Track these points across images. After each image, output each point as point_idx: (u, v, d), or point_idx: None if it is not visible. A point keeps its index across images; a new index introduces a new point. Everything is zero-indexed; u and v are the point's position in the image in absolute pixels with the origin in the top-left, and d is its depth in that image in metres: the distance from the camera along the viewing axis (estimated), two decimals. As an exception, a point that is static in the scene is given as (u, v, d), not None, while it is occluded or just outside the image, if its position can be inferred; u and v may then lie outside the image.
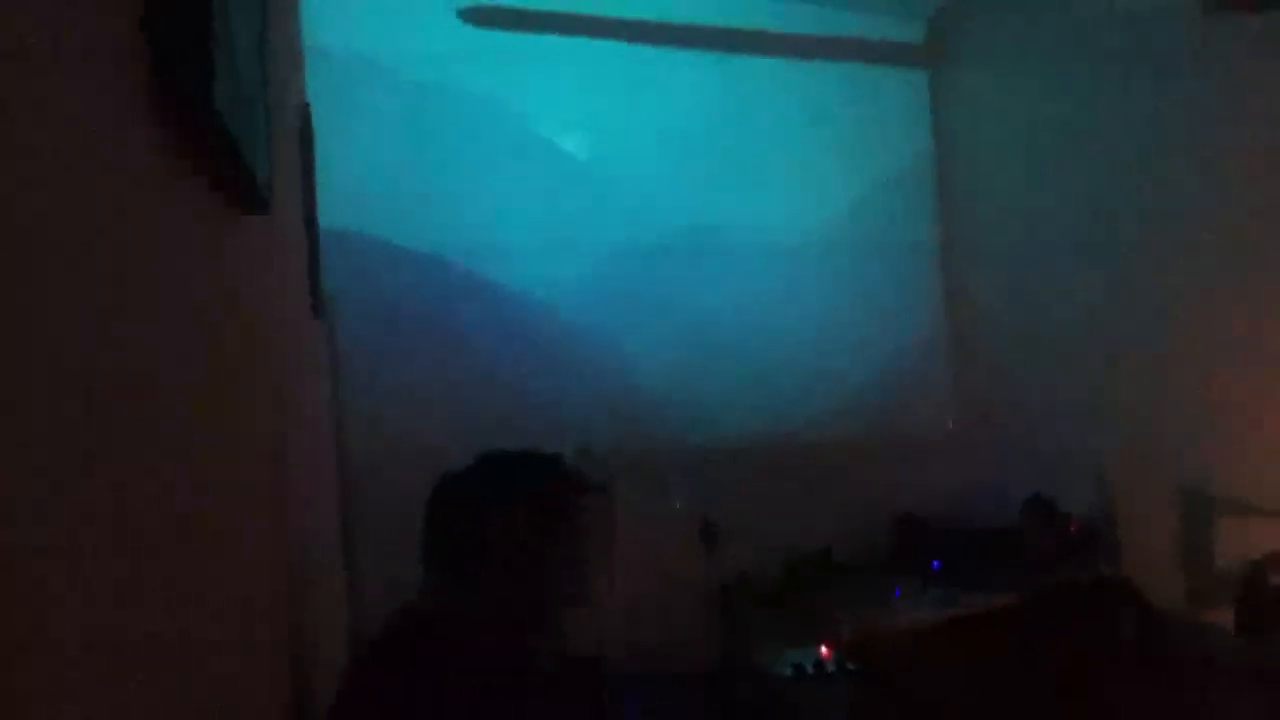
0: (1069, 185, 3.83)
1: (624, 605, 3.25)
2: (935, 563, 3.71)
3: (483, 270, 3.65)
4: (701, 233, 4.02)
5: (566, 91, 3.84)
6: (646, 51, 3.97)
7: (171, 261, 0.84)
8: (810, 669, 3.00)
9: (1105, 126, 3.66)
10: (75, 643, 0.55)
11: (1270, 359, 3.06)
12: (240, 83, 1.01)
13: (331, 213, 2.92)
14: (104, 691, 0.60)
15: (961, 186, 4.41)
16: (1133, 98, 3.53)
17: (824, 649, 3.02)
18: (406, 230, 3.52)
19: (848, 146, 4.29)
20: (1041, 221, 3.96)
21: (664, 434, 3.83)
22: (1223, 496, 3.19)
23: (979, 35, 4.26)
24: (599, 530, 1.70)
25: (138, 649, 0.67)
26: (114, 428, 0.65)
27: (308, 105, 2.68)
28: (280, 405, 1.60)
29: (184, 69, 0.80)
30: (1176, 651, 3.20)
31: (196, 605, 0.86)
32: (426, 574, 1.55)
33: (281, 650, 1.39)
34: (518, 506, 1.54)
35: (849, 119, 4.29)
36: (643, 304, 3.90)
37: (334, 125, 3.08)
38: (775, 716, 3.11)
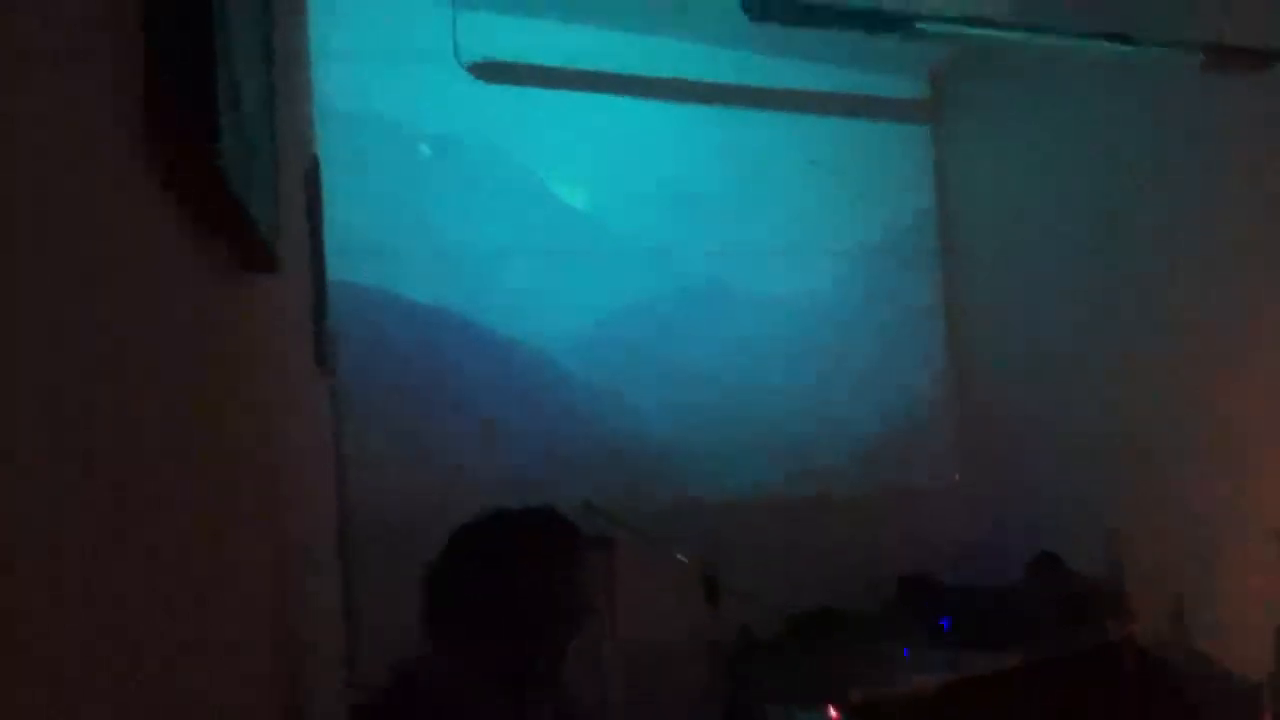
0: (1071, 237, 3.84)
1: (626, 661, 3.21)
2: (944, 621, 3.65)
3: (487, 323, 3.66)
4: (705, 286, 4.03)
5: (571, 145, 3.88)
6: (651, 106, 4.02)
7: (170, 312, 0.85)
8: (816, 729, 2.94)
9: (1106, 179, 3.68)
10: (75, 643, 0.55)
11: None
12: (246, 137, 1.02)
13: (337, 265, 2.94)
14: (104, 692, 0.59)
15: (964, 239, 4.43)
16: (1133, 150, 3.56)
17: (831, 710, 2.96)
18: (411, 282, 3.54)
19: (851, 201, 4.31)
20: (1044, 273, 3.97)
21: (666, 488, 3.81)
22: (1238, 552, 3.15)
23: (980, 89, 4.31)
24: (600, 585, 1.70)
25: (138, 649, 0.67)
26: (111, 467, 0.64)
27: (317, 158, 2.71)
28: (279, 451, 1.59)
29: (188, 123, 0.81)
30: (1189, 714, 3.14)
31: (196, 606, 0.87)
32: (426, 630, 1.54)
33: (281, 651, 1.38)
34: (520, 560, 1.54)
35: (852, 173, 4.32)
36: (646, 357, 3.90)
37: (342, 179, 3.11)
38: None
